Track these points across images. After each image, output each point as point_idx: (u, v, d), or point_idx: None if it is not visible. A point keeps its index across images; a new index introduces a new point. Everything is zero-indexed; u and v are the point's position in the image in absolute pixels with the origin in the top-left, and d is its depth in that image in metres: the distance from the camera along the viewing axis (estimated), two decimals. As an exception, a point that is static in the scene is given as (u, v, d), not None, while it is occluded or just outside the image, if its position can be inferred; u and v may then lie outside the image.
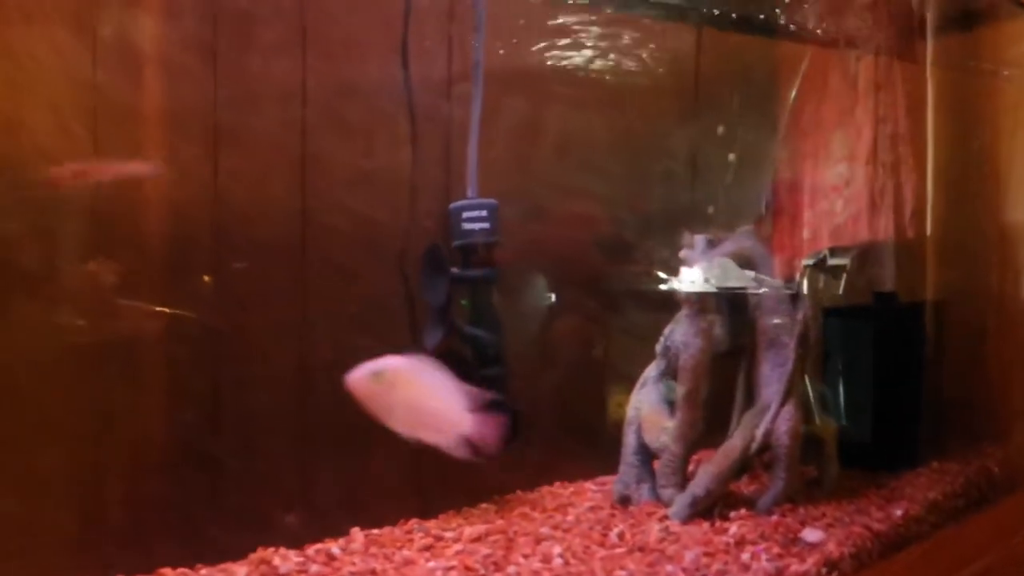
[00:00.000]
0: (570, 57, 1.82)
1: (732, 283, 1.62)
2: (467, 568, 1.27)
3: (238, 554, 1.34)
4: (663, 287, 1.73)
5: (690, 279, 1.63)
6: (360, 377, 0.93)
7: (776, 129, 2.14)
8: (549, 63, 1.78)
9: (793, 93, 2.02)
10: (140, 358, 1.34)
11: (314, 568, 1.30)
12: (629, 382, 1.73)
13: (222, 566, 1.30)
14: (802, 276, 1.68)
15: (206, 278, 1.38)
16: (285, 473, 1.48)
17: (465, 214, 1.51)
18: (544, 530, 1.44)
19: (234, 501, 1.41)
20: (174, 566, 1.28)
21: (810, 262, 1.69)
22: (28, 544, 1.22)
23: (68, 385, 1.26)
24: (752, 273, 1.65)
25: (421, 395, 0.95)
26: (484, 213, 1.50)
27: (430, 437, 0.97)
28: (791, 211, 2.15)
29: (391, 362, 0.93)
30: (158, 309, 1.33)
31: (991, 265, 2.22)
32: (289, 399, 1.48)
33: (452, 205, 1.53)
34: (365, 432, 1.50)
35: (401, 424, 0.94)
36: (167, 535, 1.34)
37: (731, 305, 1.65)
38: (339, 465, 1.51)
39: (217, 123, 1.37)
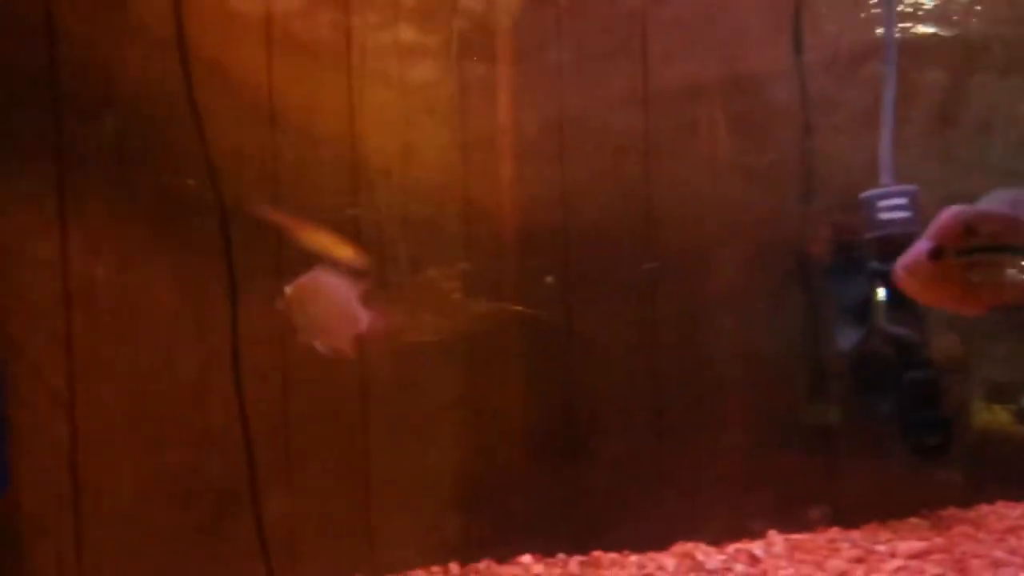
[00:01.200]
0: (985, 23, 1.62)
1: None
2: (916, 584, 1.17)
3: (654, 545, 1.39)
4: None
5: None
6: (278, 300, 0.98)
7: None
8: (960, 32, 1.60)
9: None
10: (504, 351, 1.43)
11: (739, 567, 1.29)
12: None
13: (649, 555, 1.36)
14: None
15: (548, 279, 1.44)
16: (675, 467, 1.50)
17: (881, 203, 1.40)
18: (999, 554, 1.27)
19: (610, 492, 1.44)
20: (569, 552, 1.35)
21: None
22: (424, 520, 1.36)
23: (450, 376, 1.39)
24: None
25: (320, 304, 0.98)
26: (904, 201, 1.38)
27: (331, 341, 0.99)
28: None
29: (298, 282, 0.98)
30: (515, 307, 1.43)
31: None
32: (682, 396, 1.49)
33: (864, 194, 1.43)
34: (762, 432, 1.48)
35: (309, 334, 0.98)
36: (557, 522, 1.43)
37: None
38: (739, 465, 1.49)
39: (563, 130, 1.44)
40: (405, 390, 1.35)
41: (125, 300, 1.24)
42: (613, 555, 1.35)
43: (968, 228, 1.12)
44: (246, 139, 1.28)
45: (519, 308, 1.42)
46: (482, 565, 1.31)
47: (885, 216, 1.40)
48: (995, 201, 1.38)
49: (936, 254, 1.12)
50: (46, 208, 1.21)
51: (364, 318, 1.03)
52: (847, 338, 1.41)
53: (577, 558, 1.34)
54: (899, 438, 1.44)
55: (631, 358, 1.45)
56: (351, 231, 1.32)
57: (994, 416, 1.62)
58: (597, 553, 1.35)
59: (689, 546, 1.38)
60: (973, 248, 1.12)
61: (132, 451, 1.23)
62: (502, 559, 1.33)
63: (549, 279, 1.45)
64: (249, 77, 1.29)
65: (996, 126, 1.58)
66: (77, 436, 1.23)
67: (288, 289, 1.01)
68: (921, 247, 1.14)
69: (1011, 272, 1.13)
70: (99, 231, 1.23)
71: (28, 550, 1.21)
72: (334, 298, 1.02)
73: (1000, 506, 1.52)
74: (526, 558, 1.33)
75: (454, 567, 1.30)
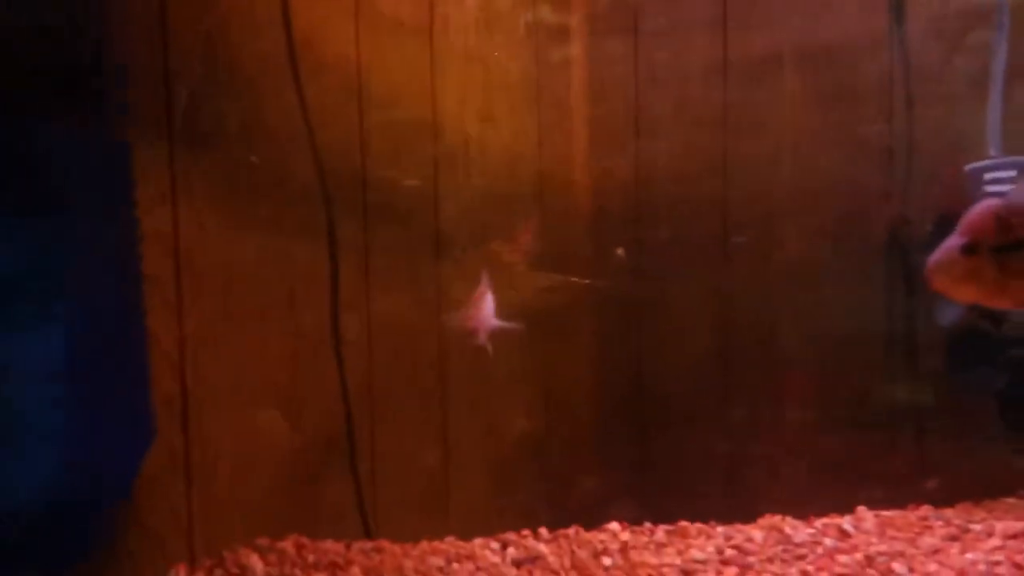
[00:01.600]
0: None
1: None
2: (1016, 566, 1.15)
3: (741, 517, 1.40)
4: None
5: None
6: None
7: None
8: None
9: None
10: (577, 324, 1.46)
11: (828, 542, 1.29)
12: None
13: (736, 526, 1.37)
14: None
15: (620, 252, 1.44)
16: (756, 442, 1.50)
17: (988, 175, 1.36)
18: (1105, 537, 1.24)
19: (692, 464, 1.47)
20: (655, 522, 1.37)
21: None
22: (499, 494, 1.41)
23: (522, 350, 1.42)
24: None
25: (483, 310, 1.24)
26: (1014, 173, 1.34)
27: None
28: None
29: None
30: (587, 280, 1.44)
31: None
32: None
33: (970, 166, 1.38)
34: (850, 409, 1.47)
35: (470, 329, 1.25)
36: (641, 492, 1.45)
37: None
38: (827, 442, 1.48)
39: (639, 102, 1.44)
40: (481, 362, 1.36)
41: (231, 272, 1.30)
42: (699, 525, 1.37)
43: (1001, 222, 1.09)
44: (338, 115, 1.32)
45: (591, 281, 1.44)
46: (571, 531, 1.34)
47: (992, 189, 1.35)
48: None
49: (970, 249, 1.09)
50: (161, 184, 1.27)
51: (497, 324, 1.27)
52: (947, 314, 1.38)
53: (664, 527, 1.36)
54: (997, 416, 1.41)
55: (705, 332, 1.46)
56: (430, 204, 1.36)
57: None
58: (683, 523, 1.37)
59: (776, 519, 1.38)
60: (1006, 243, 1.10)
61: (237, 411, 1.30)
62: (588, 526, 1.36)
63: (620, 252, 1.45)
64: (341, 52, 1.32)
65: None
66: (187, 396, 1.31)
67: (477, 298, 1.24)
68: (953, 243, 1.11)
69: None
70: (206, 206, 1.29)
71: (141, 503, 1.30)
72: (487, 307, 1.26)
73: (1104, 489, 1.48)
74: (614, 525, 1.36)
75: (543, 531, 1.34)
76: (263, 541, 1.23)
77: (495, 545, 1.29)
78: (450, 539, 1.31)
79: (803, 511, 1.40)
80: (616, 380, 1.45)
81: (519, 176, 1.44)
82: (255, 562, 1.18)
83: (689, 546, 1.29)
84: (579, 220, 1.45)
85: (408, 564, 1.20)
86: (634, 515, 1.39)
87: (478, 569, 1.21)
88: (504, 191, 1.42)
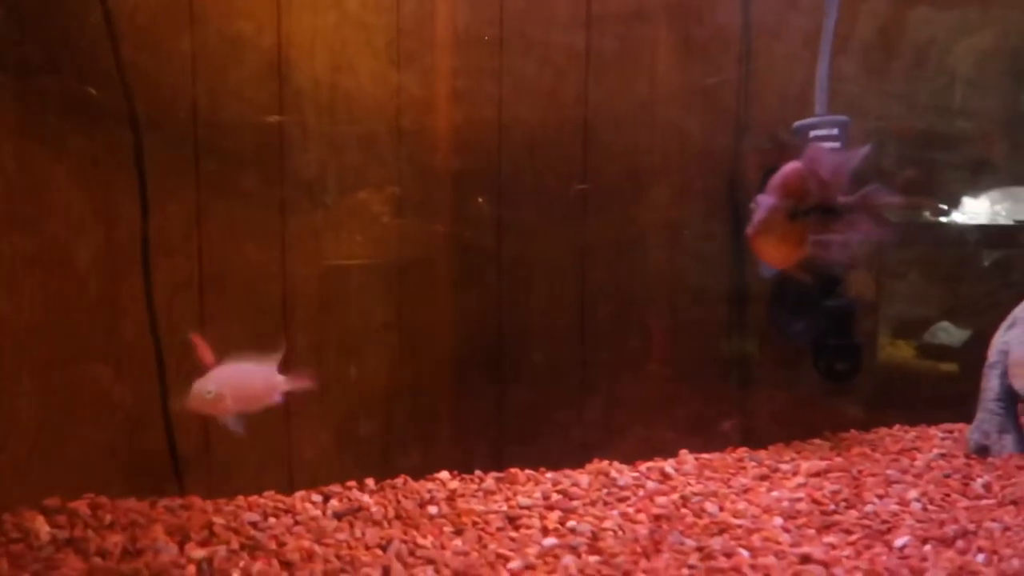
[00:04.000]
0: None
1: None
2: (815, 501, 1.23)
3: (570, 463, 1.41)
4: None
5: None
6: (194, 396, 1.02)
7: None
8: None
9: None
10: (434, 273, 1.40)
11: (650, 484, 1.33)
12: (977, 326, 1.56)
13: (564, 471, 1.38)
14: None
15: (480, 201, 1.41)
16: (594, 390, 1.51)
17: (813, 132, 1.41)
18: (892, 472, 1.34)
19: (552, 414, 1.46)
20: (487, 469, 1.36)
21: None
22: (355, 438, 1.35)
23: (378, 298, 1.35)
24: None
25: (241, 389, 1.04)
26: (835, 131, 1.39)
27: (258, 406, 1.08)
28: None
29: (214, 377, 1.03)
30: (446, 230, 1.39)
31: None
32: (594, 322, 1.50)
33: (798, 123, 1.43)
34: (682, 358, 1.50)
35: (239, 411, 1.05)
36: (477, 440, 1.44)
37: None
38: (657, 388, 1.52)
39: (504, 46, 1.38)
40: (330, 311, 1.31)
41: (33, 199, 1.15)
42: (529, 471, 1.37)
43: (802, 185, 1.16)
44: (161, 41, 1.18)
45: (449, 230, 1.39)
46: (399, 480, 1.31)
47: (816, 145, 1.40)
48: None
49: (790, 212, 1.16)
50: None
51: (285, 384, 1.09)
52: (768, 268, 1.43)
53: (494, 474, 1.35)
54: (811, 363, 1.49)
55: (561, 282, 1.45)
56: (275, 145, 1.25)
57: (898, 350, 1.69)
58: (514, 470, 1.37)
59: (604, 464, 1.41)
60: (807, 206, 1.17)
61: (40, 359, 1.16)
62: (419, 476, 1.33)
63: (480, 200, 1.41)
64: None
65: (931, 61, 1.59)
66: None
67: (204, 389, 1.01)
68: (765, 203, 1.17)
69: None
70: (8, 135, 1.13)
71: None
72: (252, 382, 1.06)
73: (897, 429, 1.61)
74: (443, 474, 1.34)
75: (370, 482, 1.29)
76: (52, 502, 1.12)
77: (317, 498, 1.23)
78: (269, 493, 1.24)
79: (630, 457, 1.44)
80: (472, 332, 1.42)
81: (374, 122, 1.36)
82: (40, 525, 1.06)
83: (517, 492, 1.29)
84: (439, 169, 1.39)
85: (219, 520, 1.12)
86: (470, 464, 1.38)
87: (296, 523, 1.15)
88: (359, 136, 1.33)
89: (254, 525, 1.13)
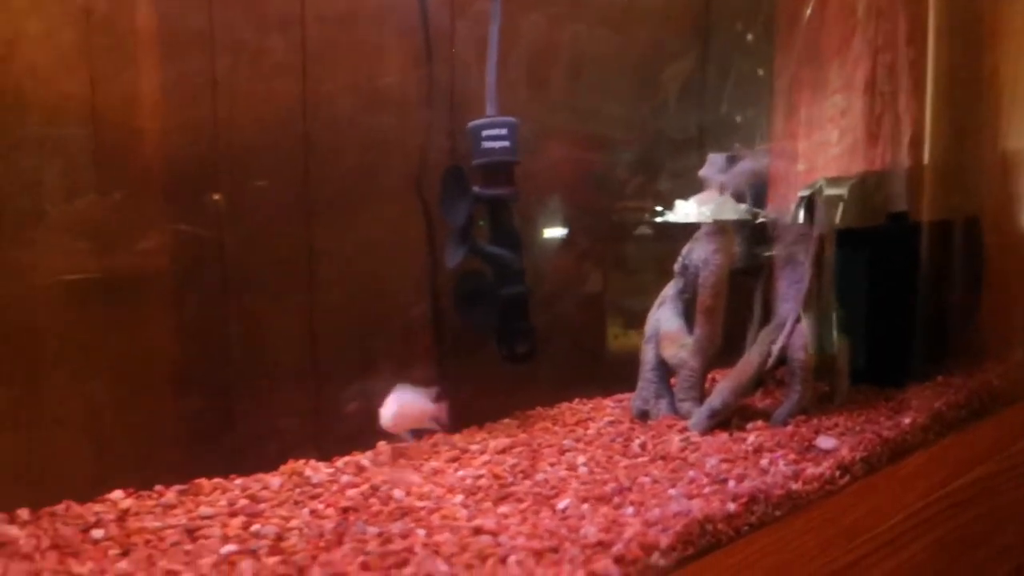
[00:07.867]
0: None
1: (727, 216, 1.62)
2: (495, 476, 1.31)
3: (266, 467, 1.38)
4: (660, 219, 1.74)
5: (684, 212, 1.64)
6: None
7: (777, 57, 2.12)
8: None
9: (807, 12, 2.00)
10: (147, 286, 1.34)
11: (345, 478, 1.33)
12: (639, 307, 1.77)
13: (256, 476, 1.34)
14: (797, 207, 1.68)
15: (215, 196, 1.36)
16: (300, 394, 1.50)
17: (485, 132, 1.50)
18: (567, 442, 1.48)
19: (251, 419, 1.44)
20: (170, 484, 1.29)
21: (806, 193, 1.67)
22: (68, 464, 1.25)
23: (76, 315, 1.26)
24: (745, 206, 1.64)
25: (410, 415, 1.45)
26: (504, 131, 1.50)
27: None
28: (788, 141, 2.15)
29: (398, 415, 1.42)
30: (162, 239, 1.32)
31: (993, 188, 2.24)
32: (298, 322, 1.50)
33: (471, 124, 1.52)
34: (376, 356, 1.54)
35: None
36: (190, 452, 1.37)
37: (749, 224, 1.66)
38: (357, 385, 1.53)
39: (215, 45, 1.34)
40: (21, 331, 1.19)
41: None
42: (217, 480, 1.31)
43: None
44: None
45: (166, 241, 1.29)
46: (61, 507, 1.18)
47: (487, 145, 1.50)
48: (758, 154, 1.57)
49: None
50: None
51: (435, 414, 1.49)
52: (453, 256, 1.51)
53: (176, 488, 1.27)
54: (495, 348, 1.59)
55: (286, 292, 1.42)
56: None
57: (628, 339, 1.87)
58: (200, 480, 1.30)
59: (299, 464, 1.39)
60: None
61: None
62: (88, 499, 1.22)
63: (198, 204, 1.33)
64: None
65: (584, 71, 1.78)
66: None
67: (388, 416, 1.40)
68: None
69: None
70: None
71: None
72: (413, 411, 1.45)
73: (577, 403, 1.78)
74: (116, 494, 1.23)
75: (23, 512, 1.15)
76: None
77: (-50, 538, 1.07)
78: None
79: (328, 453, 1.43)
80: (190, 347, 1.34)
81: (68, 124, 1.21)
82: None
83: (200, 503, 1.23)
84: (146, 174, 1.27)
85: None
86: (153, 481, 1.29)
87: (-82, 570, 1.00)
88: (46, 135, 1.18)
89: None
